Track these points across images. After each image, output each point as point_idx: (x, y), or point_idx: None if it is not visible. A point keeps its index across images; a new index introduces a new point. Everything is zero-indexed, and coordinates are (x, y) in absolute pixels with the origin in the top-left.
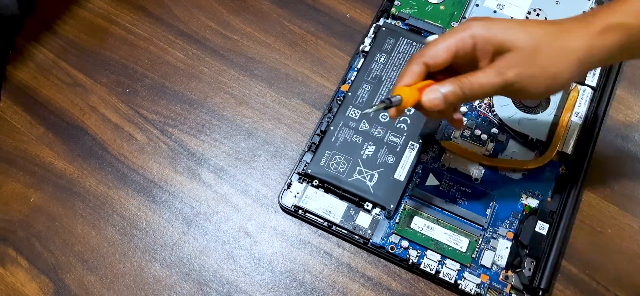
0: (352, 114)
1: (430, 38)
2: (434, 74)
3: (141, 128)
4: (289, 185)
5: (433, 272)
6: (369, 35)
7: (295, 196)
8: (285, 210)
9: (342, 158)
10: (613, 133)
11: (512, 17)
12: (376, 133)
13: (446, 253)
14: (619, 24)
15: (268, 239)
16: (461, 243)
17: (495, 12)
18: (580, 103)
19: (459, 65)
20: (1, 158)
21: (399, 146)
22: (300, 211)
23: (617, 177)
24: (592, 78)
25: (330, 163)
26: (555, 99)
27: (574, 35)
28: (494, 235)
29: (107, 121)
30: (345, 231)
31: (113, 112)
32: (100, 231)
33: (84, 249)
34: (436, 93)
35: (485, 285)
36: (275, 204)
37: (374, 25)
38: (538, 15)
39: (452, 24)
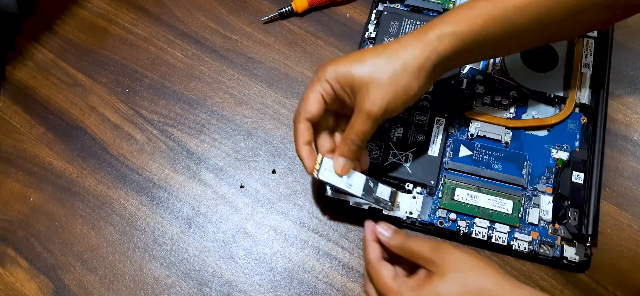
0: None
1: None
2: (327, 115)
3: (141, 128)
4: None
5: (485, 238)
6: (371, 21)
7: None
8: (328, 198)
9: (374, 144)
10: (612, 133)
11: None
12: (401, 114)
13: (493, 217)
14: (450, 32)
15: (267, 239)
16: (506, 206)
17: None
18: (585, 54)
19: (339, 101)
20: (0, 158)
21: (426, 124)
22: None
23: (616, 177)
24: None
25: None
26: (562, 54)
27: (410, 49)
28: (535, 193)
29: (107, 121)
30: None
31: (112, 112)
32: (99, 231)
33: (84, 249)
34: (340, 161)
35: (537, 241)
36: (274, 203)
37: (375, 11)
38: None
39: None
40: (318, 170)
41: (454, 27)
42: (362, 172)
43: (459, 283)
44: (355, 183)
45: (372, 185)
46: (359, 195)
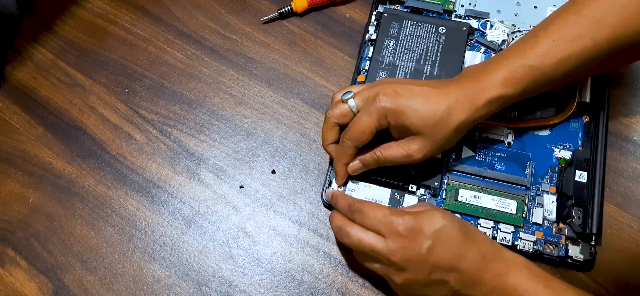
0: None
1: (338, 95)
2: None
3: (140, 128)
4: (330, 183)
5: (490, 238)
6: (371, 23)
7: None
8: (330, 206)
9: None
10: (613, 133)
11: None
12: None
13: (498, 218)
14: (498, 97)
15: (267, 239)
16: (510, 206)
17: None
18: None
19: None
20: (0, 158)
21: None
22: None
23: (616, 177)
24: None
25: None
26: None
27: (465, 112)
28: (538, 192)
29: (106, 121)
30: None
31: (112, 112)
32: (99, 232)
33: (83, 249)
34: (357, 164)
35: (541, 241)
36: (274, 204)
37: (375, 12)
38: None
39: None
40: (344, 188)
41: (502, 91)
42: (388, 186)
43: (450, 216)
44: (381, 197)
45: (398, 196)
46: None
